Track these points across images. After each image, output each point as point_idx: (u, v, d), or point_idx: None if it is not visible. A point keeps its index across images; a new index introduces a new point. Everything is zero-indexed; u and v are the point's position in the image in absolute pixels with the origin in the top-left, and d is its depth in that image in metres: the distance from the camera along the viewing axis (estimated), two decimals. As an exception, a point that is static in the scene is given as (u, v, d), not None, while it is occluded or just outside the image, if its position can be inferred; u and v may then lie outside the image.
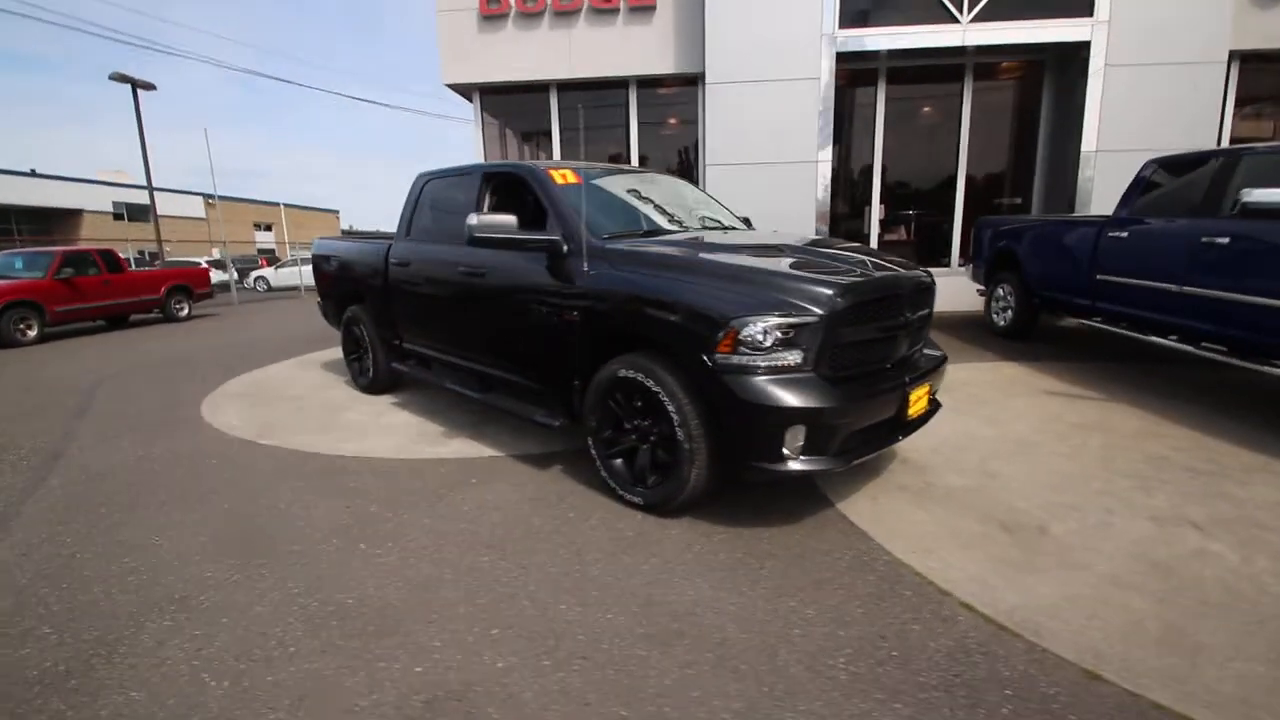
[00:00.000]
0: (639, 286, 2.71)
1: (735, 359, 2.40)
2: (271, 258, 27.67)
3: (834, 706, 1.63)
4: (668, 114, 9.16)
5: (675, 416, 2.55)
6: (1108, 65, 7.48)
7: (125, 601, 2.18)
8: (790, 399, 2.35)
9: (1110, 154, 7.66)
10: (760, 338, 2.37)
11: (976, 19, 7.59)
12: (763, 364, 2.39)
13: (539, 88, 8.88)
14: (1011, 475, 3.13)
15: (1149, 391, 4.51)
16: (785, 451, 2.40)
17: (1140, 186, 5.06)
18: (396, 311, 4.37)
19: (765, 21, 7.73)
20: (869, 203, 8.89)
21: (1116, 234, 5.03)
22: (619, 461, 2.92)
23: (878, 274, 2.71)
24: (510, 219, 3.11)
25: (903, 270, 2.88)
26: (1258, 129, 8.44)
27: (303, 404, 4.80)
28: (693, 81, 8.69)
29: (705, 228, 3.69)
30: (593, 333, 2.92)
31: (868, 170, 8.82)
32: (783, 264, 2.69)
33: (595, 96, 9.02)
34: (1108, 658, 1.81)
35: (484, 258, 3.53)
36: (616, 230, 3.27)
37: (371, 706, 1.66)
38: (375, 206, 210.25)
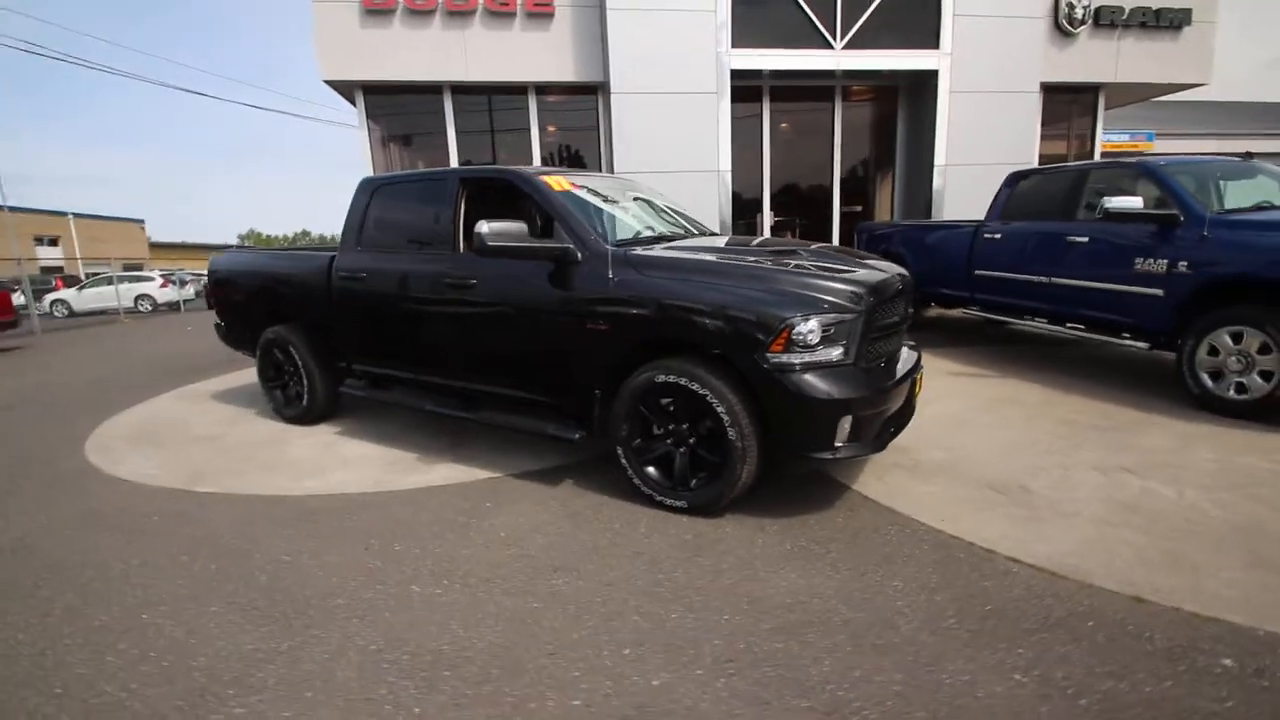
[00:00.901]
0: (678, 293, 2.73)
1: (786, 358, 2.52)
2: (68, 278, 23.17)
3: (976, 662, 1.81)
4: (569, 122, 9.13)
5: (726, 417, 2.62)
6: (952, 91, 8.72)
7: (159, 695, 1.79)
8: (842, 391, 2.52)
9: (956, 167, 8.93)
10: (810, 336, 2.52)
11: (848, 46, 8.48)
12: (812, 361, 2.54)
13: (431, 89, 8.44)
14: (970, 447, 3.58)
15: (1031, 367, 5.34)
16: (837, 441, 2.57)
17: (1006, 195, 5.99)
18: (345, 330, 3.95)
19: (665, 38, 8.02)
20: (760, 210, 9.54)
21: (990, 235, 5.91)
22: (652, 468, 2.92)
23: (884, 272, 2.98)
24: (521, 226, 2.97)
25: (893, 269, 3.19)
26: (1056, 148, 10.29)
27: (222, 442, 4.16)
28: (593, 90, 8.75)
29: (690, 233, 3.78)
30: (621, 341, 2.89)
31: (758, 180, 9.46)
32: (809, 265, 2.86)
33: (494, 101, 8.76)
34: (1139, 584, 2.17)
35: (473, 268, 3.33)
36: (621, 236, 3.26)
37: (548, 749, 1.55)
38: (206, 216, 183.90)
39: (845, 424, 2.56)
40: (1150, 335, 4.46)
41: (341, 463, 3.69)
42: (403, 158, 8.98)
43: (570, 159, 9.24)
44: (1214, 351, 3.99)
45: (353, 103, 8.52)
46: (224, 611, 2.19)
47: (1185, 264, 4.17)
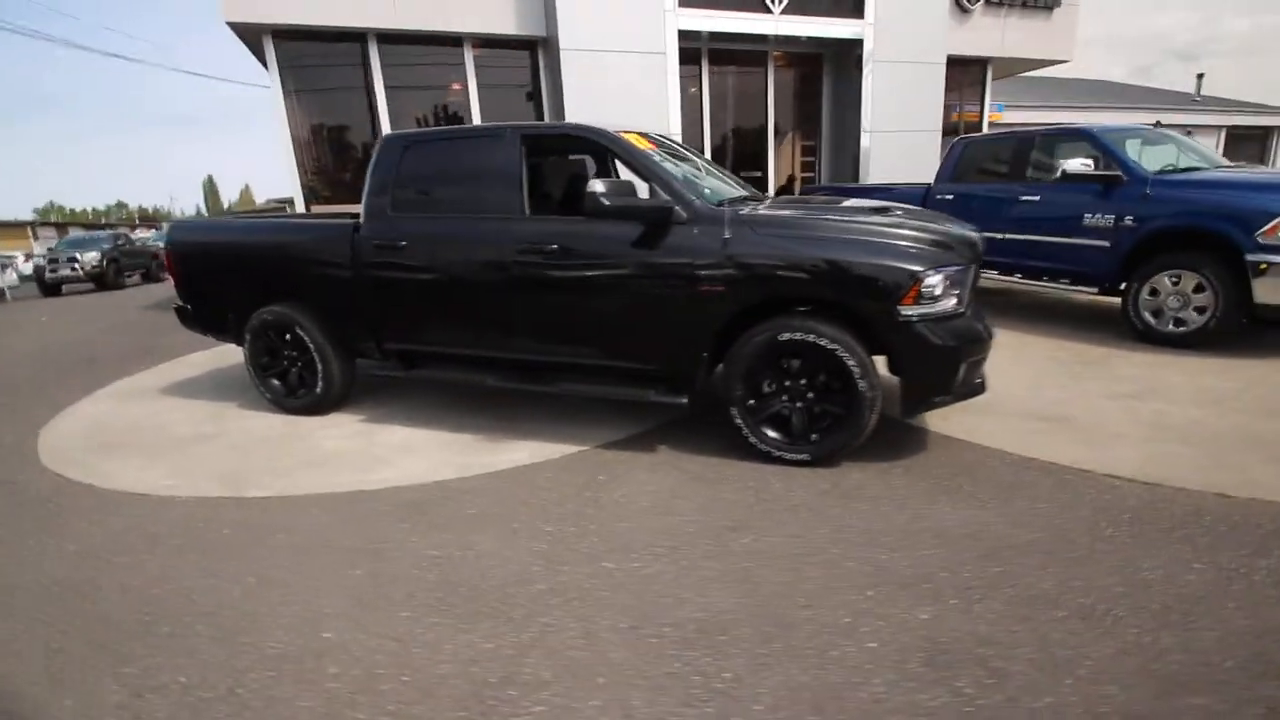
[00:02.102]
0: (804, 251, 2.77)
1: (917, 309, 2.68)
2: None
3: (1155, 559, 2.09)
4: (505, 79, 8.60)
5: (857, 369, 2.73)
6: (874, 60, 9.27)
7: (432, 711, 1.61)
8: (963, 338, 2.73)
9: (879, 134, 9.56)
10: (936, 288, 2.69)
11: (785, 12, 8.69)
12: (936, 312, 2.71)
13: (353, 36, 7.58)
14: (997, 385, 4.00)
15: (993, 315, 5.98)
16: (957, 385, 2.79)
17: (955, 160, 6.56)
18: (377, 306, 3.57)
19: (613, -9, 7.75)
20: (701, 173, 9.65)
21: (942, 196, 6.46)
22: (768, 425, 2.98)
23: (971, 228, 3.20)
24: (630, 184, 2.84)
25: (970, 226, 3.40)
26: (949, 117, 11.31)
27: (226, 441, 3.64)
28: (532, 45, 8.31)
29: (749, 195, 3.77)
30: (735, 302, 2.89)
31: (699, 143, 9.53)
32: (913, 221, 3.00)
33: (425, 53, 8.04)
34: (1213, 484, 2.60)
35: (552, 231, 3.14)
36: (712, 196, 3.20)
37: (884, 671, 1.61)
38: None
39: (963, 369, 2.78)
40: (1097, 281, 5.16)
41: (397, 450, 3.38)
42: (325, 117, 8.02)
43: (514, 119, 8.74)
44: (1154, 293, 4.72)
45: (260, 52, 7.44)
46: (420, 614, 1.99)
47: (1131, 218, 4.85)
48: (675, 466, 3.03)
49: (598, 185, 2.77)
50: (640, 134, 3.31)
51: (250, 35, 7.30)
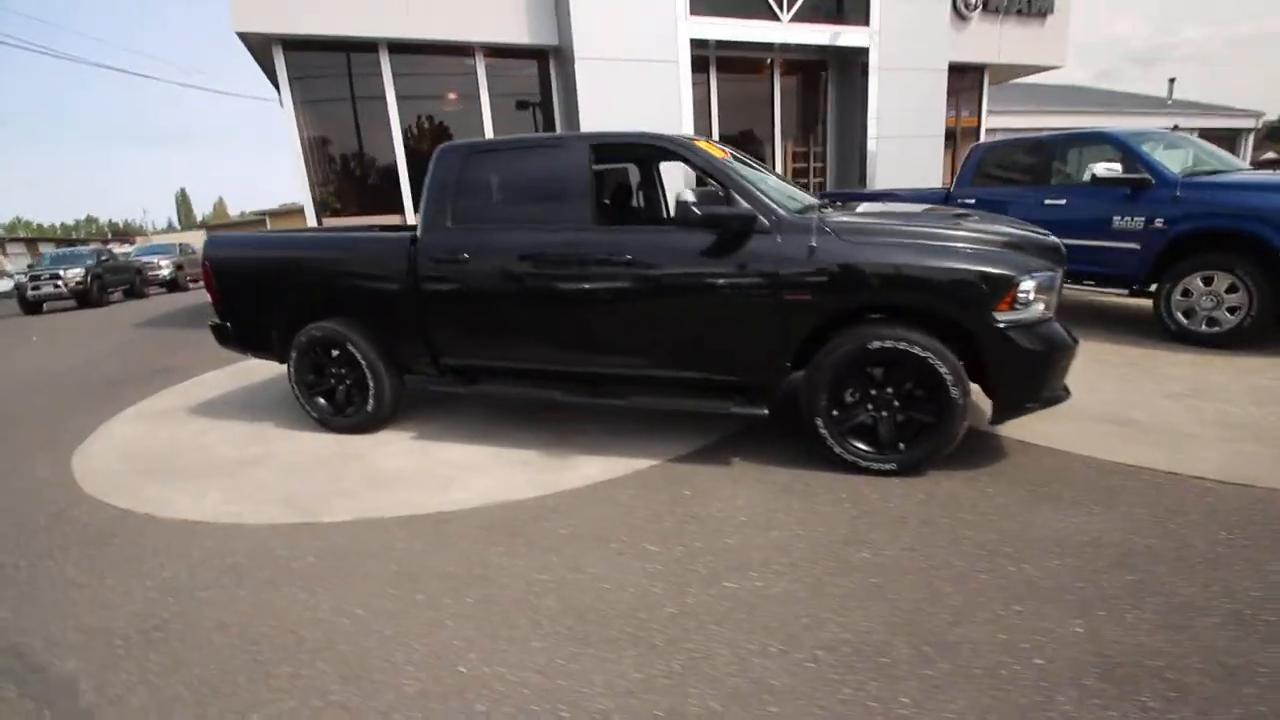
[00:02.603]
0: (896, 259, 2.74)
1: (1012, 315, 2.67)
2: None
3: (1287, 563, 2.10)
4: (519, 88, 8.54)
5: (949, 376, 2.71)
6: (880, 68, 9.38)
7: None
8: (1055, 343, 2.73)
9: (885, 139, 9.66)
10: (1029, 294, 2.68)
11: (793, 20, 8.76)
12: (1029, 318, 2.70)
13: (365, 46, 7.45)
14: (1051, 388, 4.02)
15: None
16: (1044, 391, 2.78)
17: (974, 164, 6.63)
18: (439, 321, 3.48)
19: (627, 2, 7.74)
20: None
21: (964, 200, 6.52)
22: (853, 435, 2.95)
23: (1049, 234, 3.19)
24: (714, 192, 2.79)
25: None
26: (952, 122, 11.48)
27: (277, 463, 3.51)
28: (543, 55, 8.26)
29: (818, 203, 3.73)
30: (822, 311, 2.86)
31: (707, 150, 9.53)
32: (997, 227, 2.99)
33: (437, 63, 7.95)
34: None
35: (626, 242, 3.09)
36: (791, 205, 3.16)
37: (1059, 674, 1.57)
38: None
39: (1052, 375, 2.77)
40: (1127, 283, 5.23)
41: (462, 469, 3.29)
42: (336, 128, 7.88)
43: (517, 129, 8.67)
44: (1186, 294, 4.79)
45: (268, 64, 7.29)
46: (554, 644, 1.91)
47: (1161, 220, 4.93)
48: (758, 479, 2.98)
49: (688, 194, 2.72)
50: (711, 142, 3.26)
51: (259, 46, 7.15)
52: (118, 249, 27.70)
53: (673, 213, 2.77)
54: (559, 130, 8.50)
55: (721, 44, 8.89)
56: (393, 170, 7.89)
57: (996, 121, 22.09)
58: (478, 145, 3.43)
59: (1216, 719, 1.51)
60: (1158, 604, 1.92)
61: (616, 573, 2.28)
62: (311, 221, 7.53)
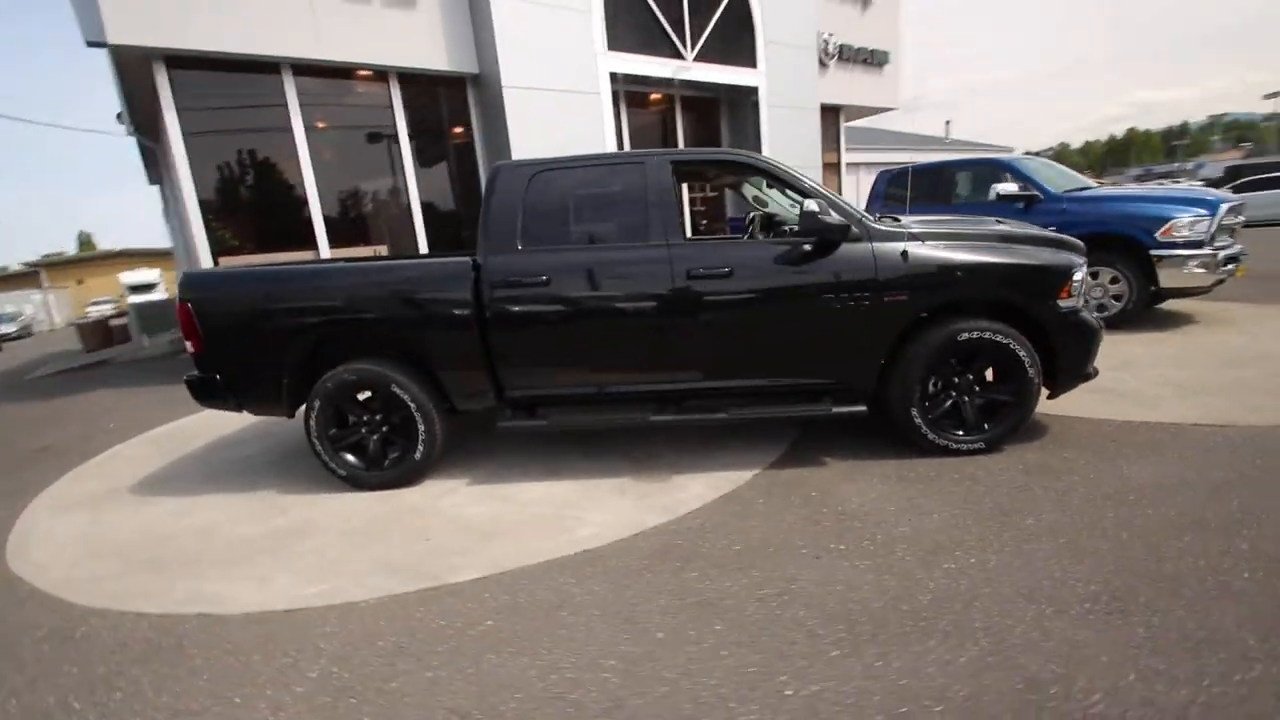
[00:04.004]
0: (976, 259, 3.07)
1: (1069, 303, 3.11)
2: None
3: (1325, 476, 2.66)
4: (435, 117, 8.11)
5: (1026, 359, 3.08)
6: (769, 105, 10.30)
7: (1000, 724, 1.53)
8: (1096, 325, 3.21)
9: (777, 169, 10.56)
10: (1079, 284, 3.15)
11: (696, 59, 9.35)
12: (1078, 304, 3.17)
13: (265, 66, 6.67)
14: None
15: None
16: (1090, 367, 3.26)
17: (883, 189, 7.54)
18: (511, 348, 3.21)
19: (550, 32, 7.77)
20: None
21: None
22: (943, 421, 3.21)
23: None
24: (823, 205, 2.93)
25: None
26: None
27: (331, 529, 2.98)
28: (461, 83, 7.98)
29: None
30: (913, 309, 3.10)
31: (622, 180, 9.75)
32: (1036, 231, 3.45)
33: (345, 89, 7.33)
34: (1263, 420, 3.32)
35: (726, 255, 3.12)
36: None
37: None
38: None
39: (1094, 352, 3.26)
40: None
41: (559, 506, 3.05)
42: (232, 158, 6.88)
43: (437, 159, 8.25)
44: (1077, 287, 5.84)
45: (146, 83, 6.23)
46: (852, 650, 1.85)
47: (1053, 228, 5.95)
48: (866, 474, 3.11)
49: (812, 205, 2.84)
50: (776, 162, 3.42)
51: (136, 64, 6.08)
52: None
53: (798, 223, 2.87)
54: (480, 158, 8.22)
55: (629, 78, 9.20)
56: (301, 203, 7.07)
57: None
58: (545, 164, 3.26)
59: (1402, 593, 1.89)
60: (1271, 515, 2.34)
61: (834, 574, 2.27)
62: (206, 262, 6.47)
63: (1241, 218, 5.82)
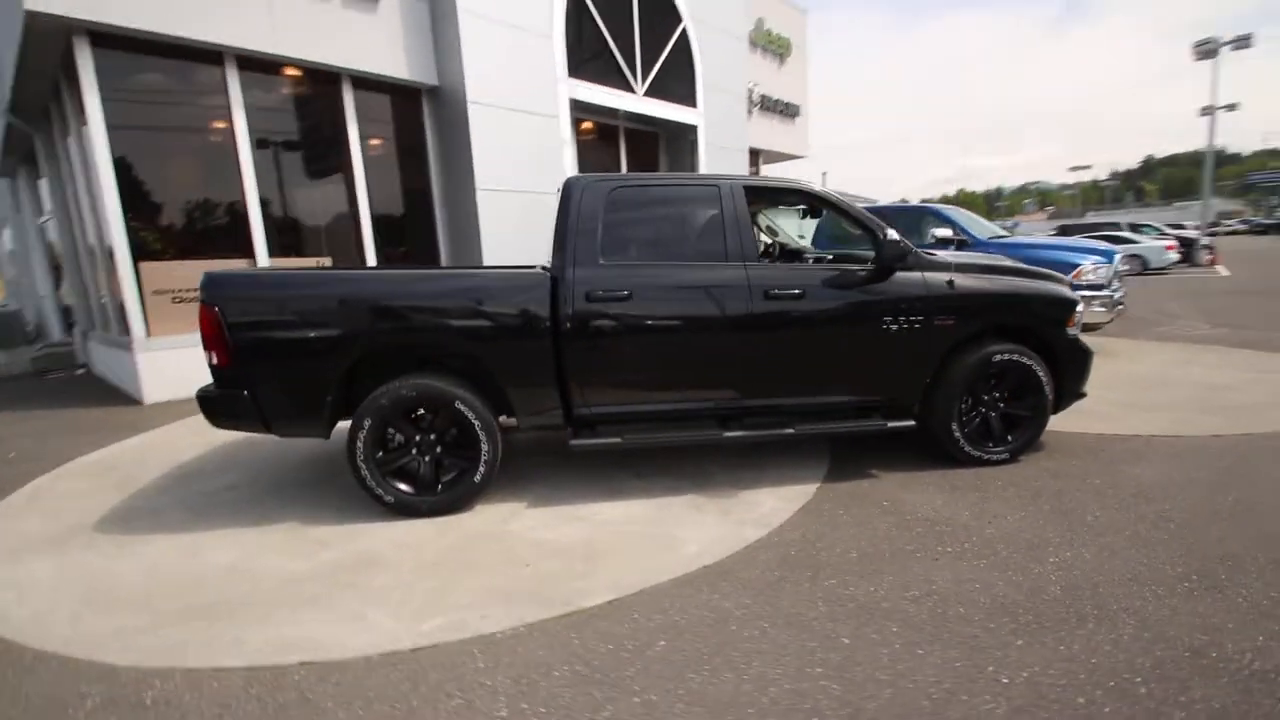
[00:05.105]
0: (1007, 289, 3.48)
1: (1072, 329, 3.60)
2: None
3: (1280, 473, 3.26)
4: (387, 126, 7.68)
5: (1044, 378, 3.51)
6: (706, 143, 10.85)
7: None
8: (1090, 349, 3.73)
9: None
10: (1080, 314, 3.65)
11: (646, 94, 9.68)
12: (1079, 331, 3.67)
13: (207, 55, 6.01)
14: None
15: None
16: (1084, 386, 3.77)
17: (826, 230, 8.17)
18: (588, 363, 3.12)
19: (515, 52, 7.71)
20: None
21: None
22: (975, 435, 3.56)
23: None
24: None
25: None
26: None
27: (404, 561, 2.70)
28: (417, 94, 7.66)
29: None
30: (957, 332, 3.43)
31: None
32: (1033, 267, 3.93)
33: (295, 88, 6.77)
34: (1213, 428, 4.02)
35: (800, 277, 3.28)
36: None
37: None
38: None
39: (1088, 373, 3.78)
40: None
41: (646, 524, 3.00)
42: (162, 154, 6.05)
43: (387, 171, 7.79)
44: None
45: (65, 62, 5.37)
46: (1032, 640, 2.01)
47: (982, 270, 6.83)
48: (920, 485, 3.35)
49: (894, 234, 3.08)
50: (836, 196, 3.66)
51: (50, 37, 5.22)
52: None
53: (882, 248, 3.12)
54: (433, 172, 7.90)
55: (579, 105, 9.33)
56: (239, 207, 6.36)
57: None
58: (623, 180, 3.27)
59: (1396, 560, 2.39)
60: (1266, 506, 2.85)
61: (961, 574, 2.43)
62: (126, 265, 5.60)
63: (1127, 266, 7.00)
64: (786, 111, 13.90)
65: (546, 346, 3.07)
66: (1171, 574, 2.36)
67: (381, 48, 7.01)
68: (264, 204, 6.48)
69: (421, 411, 3.12)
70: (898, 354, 3.39)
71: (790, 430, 3.35)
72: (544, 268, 3.22)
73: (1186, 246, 17.40)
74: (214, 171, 6.28)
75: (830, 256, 3.92)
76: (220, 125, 6.20)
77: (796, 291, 3.25)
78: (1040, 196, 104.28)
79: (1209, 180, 19.61)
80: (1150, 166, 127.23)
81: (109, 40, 5.42)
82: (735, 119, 11.53)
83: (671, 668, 1.95)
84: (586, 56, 8.76)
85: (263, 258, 6.46)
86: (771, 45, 13.38)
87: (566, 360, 3.11)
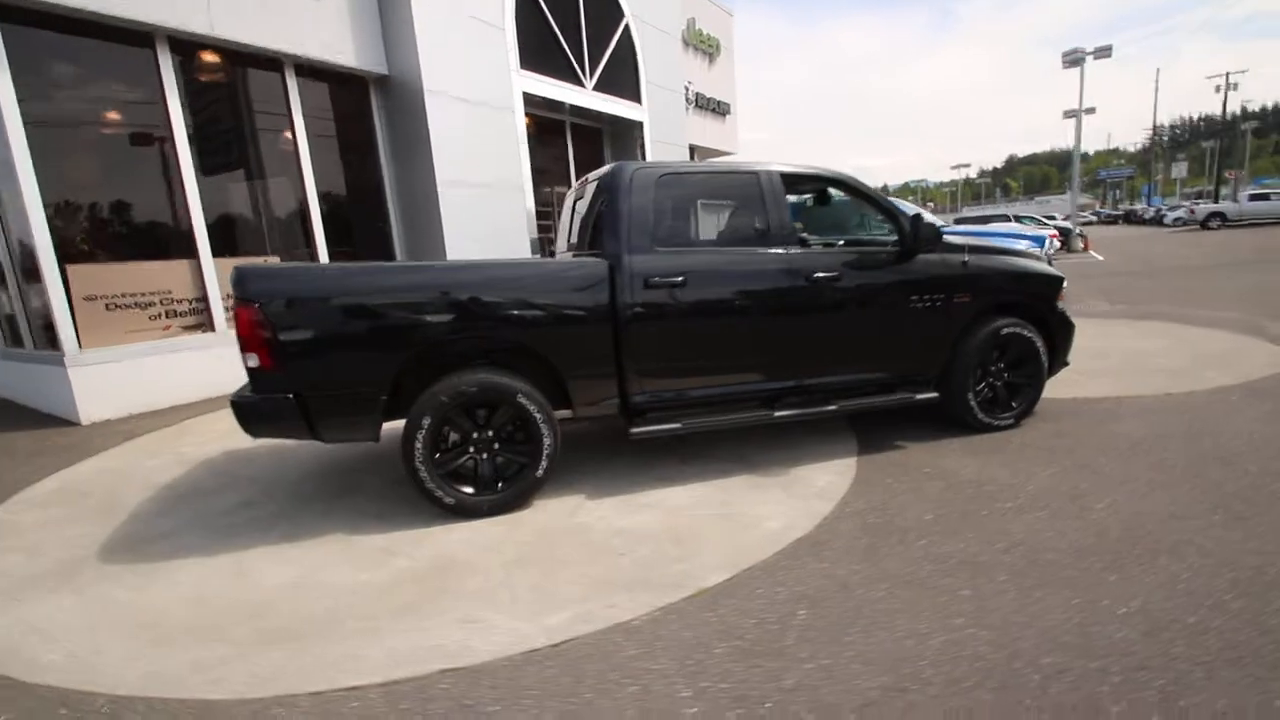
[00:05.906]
0: (1011, 268, 3.79)
1: (1061, 304, 3.99)
2: None
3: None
4: (333, 115, 7.18)
5: (1042, 348, 3.87)
6: (651, 140, 10.95)
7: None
8: (1072, 323, 4.15)
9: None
10: (1066, 291, 4.05)
11: (595, 89, 9.63)
12: (1065, 306, 4.07)
13: (134, 36, 5.38)
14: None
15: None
16: (1068, 356, 4.18)
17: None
18: (645, 349, 3.11)
19: (468, 44, 7.44)
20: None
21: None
22: (985, 403, 3.86)
23: None
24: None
25: None
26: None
27: (502, 560, 2.58)
28: (364, 83, 7.24)
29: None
30: (973, 309, 3.70)
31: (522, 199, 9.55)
32: (1028, 248, 4.30)
33: (234, 74, 6.19)
34: (1178, 386, 4.57)
35: (837, 260, 3.43)
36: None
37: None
38: None
39: (1070, 345, 4.19)
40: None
41: (717, 506, 3.04)
42: (85, 146, 5.32)
43: (330, 163, 7.30)
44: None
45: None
46: (1101, 586, 2.23)
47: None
48: (949, 453, 3.59)
49: (928, 214, 3.26)
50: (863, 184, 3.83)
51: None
52: None
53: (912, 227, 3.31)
54: (383, 163, 7.48)
55: (530, 99, 9.15)
56: (173, 204, 5.74)
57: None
58: (669, 167, 3.25)
59: (1359, 483, 2.85)
60: (1237, 451, 3.31)
61: (1032, 526, 2.64)
62: (51, 269, 4.90)
63: (1054, 250, 7.79)
64: (718, 109, 14.28)
65: (608, 334, 3.04)
66: (1197, 511, 2.69)
67: (328, 35, 6.55)
68: (204, 199, 5.88)
69: (479, 409, 2.98)
70: (924, 330, 3.62)
71: (833, 407, 3.49)
72: (582, 257, 3.16)
73: (1065, 235, 19.51)
74: (148, 164, 5.64)
75: (842, 242, 4.11)
76: (154, 113, 5.57)
77: (836, 274, 3.40)
78: (922, 193, 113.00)
79: (1077, 176, 22.06)
80: (1013, 165, 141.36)
81: (18, 13, 4.73)
82: (675, 115, 11.71)
83: (825, 633, 2.01)
84: (537, 50, 8.59)
85: (206, 257, 5.88)
86: (703, 45, 13.68)
87: (625, 347, 3.09)
